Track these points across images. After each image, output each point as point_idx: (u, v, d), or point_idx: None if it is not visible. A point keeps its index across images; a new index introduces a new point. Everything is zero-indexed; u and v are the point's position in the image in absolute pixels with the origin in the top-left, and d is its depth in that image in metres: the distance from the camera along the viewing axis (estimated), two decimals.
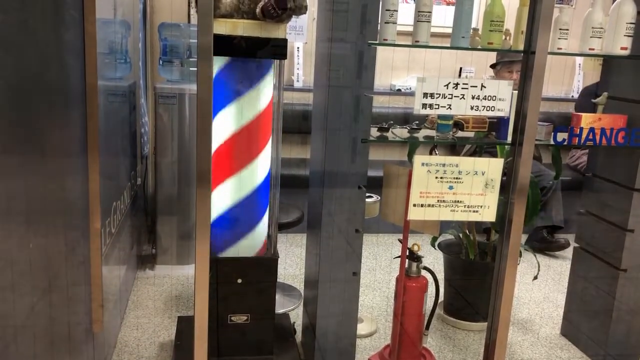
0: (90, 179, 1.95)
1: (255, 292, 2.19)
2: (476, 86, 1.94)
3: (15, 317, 1.33)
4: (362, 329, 2.77)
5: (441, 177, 1.98)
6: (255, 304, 2.20)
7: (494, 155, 3.12)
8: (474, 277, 2.95)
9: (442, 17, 2.44)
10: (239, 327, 2.20)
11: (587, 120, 2.26)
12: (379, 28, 2.02)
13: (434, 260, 3.43)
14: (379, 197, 2.42)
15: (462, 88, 1.93)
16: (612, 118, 2.31)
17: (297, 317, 2.87)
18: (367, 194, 2.40)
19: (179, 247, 3.42)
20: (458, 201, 2.00)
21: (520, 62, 1.96)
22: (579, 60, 4.77)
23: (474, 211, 2.01)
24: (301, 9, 1.92)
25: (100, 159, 1.97)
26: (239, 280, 2.16)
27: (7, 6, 1.27)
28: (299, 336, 2.67)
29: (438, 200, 2.00)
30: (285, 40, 1.97)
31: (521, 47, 1.97)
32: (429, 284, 2.35)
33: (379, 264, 3.66)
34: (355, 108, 2.07)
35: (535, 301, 3.28)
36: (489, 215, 2.02)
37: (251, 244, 2.18)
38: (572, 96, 4.79)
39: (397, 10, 1.99)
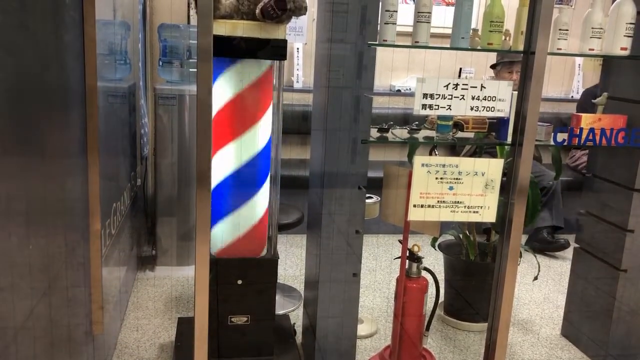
0: (90, 180, 1.95)
1: (256, 293, 2.19)
2: (476, 87, 1.94)
3: (15, 319, 1.33)
4: (362, 329, 2.76)
5: (441, 178, 1.97)
6: (255, 305, 2.19)
7: (494, 155, 3.12)
8: (474, 278, 2.95)
9: (442, 18, 2.43)
10: (239, 328, 2.20)
11: (587, 120, 2.26)
12: (378, 29, 2.02)
13: (434, 261, 3.43)
14: (379, 198, 2.42)
15: (462, 89, 1.93)
16: (612, 118, 2.31)
17: (297, 318, 2.87)
18: (367, 195, 2.40)
19: (179, 248, 3.42)
20: (458, 202, 2.00)
21: (520, 63, 1.96)
22: (579, 60, 4.78)
23: (474, 212, 2.01)
24: (301, 10, 1.92)
25: (100, 160, 1.97)
26: (239, 282, 2.16)
27: (7, 7, 1.27)
28: (299, 337, 2.67)
29: (438, 201, 1.99)
30: (285, 41, 1.97)
31: (521, 47, 1.97)
32: (429, 284, 2.34)
33: (379, 265, 3.66)
34: (355, 109, 2.07)
35: (536, 302, 3.28)
36: (489, 215, 2.02)
37: (251, 213, 2.15)
38: (572, 97, 4.79)
39: (396, 11, 1.99)
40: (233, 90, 2.04)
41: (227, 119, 2.06)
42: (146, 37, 3.72)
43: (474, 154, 3.57)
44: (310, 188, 2.48)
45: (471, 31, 2.05)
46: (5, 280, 1.27)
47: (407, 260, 2.29)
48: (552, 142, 2.25)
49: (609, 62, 2.65)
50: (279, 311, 2.77)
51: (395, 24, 2.00)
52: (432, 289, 2.38)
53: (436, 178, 1.97)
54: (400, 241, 2.29)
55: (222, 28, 1.90)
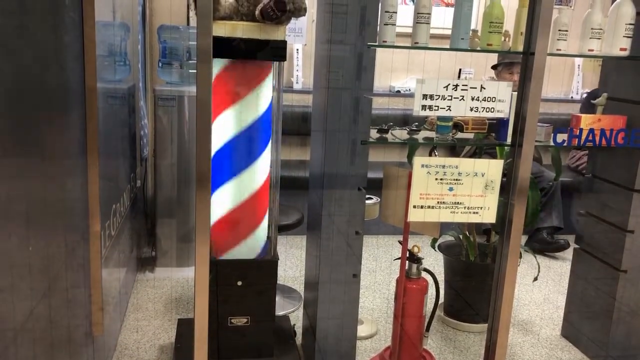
0: (90, 182, 1.95)
1: (255, 295, 2.18)
2: (476, 87, 1.94)
3: (15, 320, 1.33)
4: (362, 330, 2.76)
5: (441, 179, 1.97)
6: (255, 306, 2.19)
7: (493, 156, 3.12)
8: (474, 279, 2.95)
9: (442, 19, 2.44)
10: (239, 330, 2.20)
11: (586, 121, 2.26)
12: (378, 30, 2.02)
13: (434, 261, 3.43)
14: (379, 199, 2.42)
15: (462, 89, 1.93)
16: (612, 119, 2.31)
17: (297, 319, 2.87)
18: (367, 196, 2.40)
19: (179, 249, 3.41)
20: (458, 203, 2.00)
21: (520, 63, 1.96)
22: (579, 61, 4.78)
23: (474, 212, 2.01)
24: (300, 11, 1.92)
25: (99, 161, 1.97)
26: (239, 283, 2.15)
27: (7, 9, 1.27)
28: (299, 338, 2.67)
29: (438, 202, 1.99)
30: (284, 42, 1.97)
31: (520, 48, 1.97)
32: (429, 285, 2.34)
33: (379, 266, 3.66)
34: (354, 109, 2.07)
35: (536, 302, 3.28)
36: (489, 216, 2.02)
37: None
38: (572, 97, 4.80)
39: (396, 12, 1.99)
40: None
41: (228, 82, 2.06)
42: (146, 39, 3.72)
43: (473, 154, 3.58)
44: (310, 189, 2.47)
45: (471, 32, 2.05)
46: (5, 281, 1.27)
47: (407, 261, 2.29)
48: (551, 143, 2.25)
49: (608, 63, 2.65)
50: (279, 312, 2.77)
51: (395, 25, 2.00)
52: (432, 290, 2.38)
53: (436, 179, 1.97)
54: (400, 242, 2.29)
55: (222, 29, 1.90)
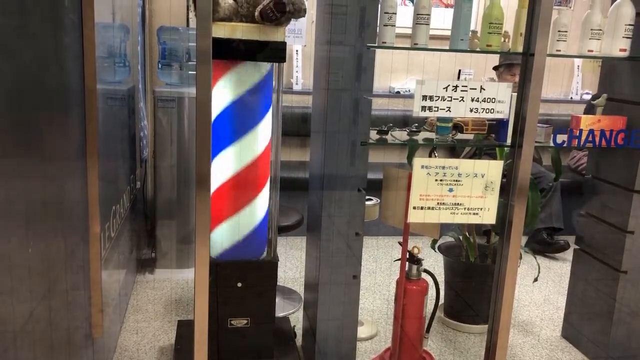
0: (90, 183, 1.95)
1: (255, 296, 2.18)
2: (475, 88, 1.94)
3: (15, 322, 1.33)
4: (362, 332, 2.76)
5: (441, 180, 1.97)
6: (255, 308, 2.19)
7: (493, 157, 3.12)
8: (475, 280, 2.94)
9: (441, 20, 2.44)
10: (239, 331, 2.19)
11: (586, 122, 2.26)
12: (377, 31, 2.02)
13: (434, 262, 3.43)
14: (379, 200, 2.42)
15: (462, 90, 1.93)
16: (612, 120, 2.31)
17: (297, 320, 2.87)
18: (367, 197, 2.39)
19: (179, 250, 3.41)
20: (458, 204, 2.00)
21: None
22: (578, 62, 4.78)
23: (474, 213, 2.01)
24: (300, 12, 1.92)
25: (99, 162, 1.97)
26: (239, 284, 2.15)
27: (6, 10, 1.26)
28: (299, 340, 2.67)
29: (438, 203, 1.99)
30: (284, 44, 1.97)
31: (520, 49, 1.97)
32: (429, 286, 2.34)
33: (379, 267, 3.66)
34: (354, 111, 2.07)
35: (536, 303, 3.28)
36: (489, 217, 2.02)
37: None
38: (571, 98, 4.80)
39: (395, 13, 1.99)
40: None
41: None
42: (145, 40, 3.72)
43: (473, 155, 3.58)
44: (310, 190, 2.47)
45: (470, 33, 2.05)
46: (5, 283, 1.27)
47: (407, 262, 2.29)
48: (551, 144, 2.25)
49: (608, 64, 2.65)
50: (279, 314, 2.77)
51: (394, 26, 2.00)
52: (432, 291, 2.38)
53: (436, 180, 1.97)
54: (400, 243, 2.29)
55: (221, 30, 1.90)
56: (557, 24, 2.12)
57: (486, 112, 1.97)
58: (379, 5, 1.99)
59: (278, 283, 2.28)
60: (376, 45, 2.02)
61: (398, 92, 4.44)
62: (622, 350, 2.62)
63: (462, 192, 1.99)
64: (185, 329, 2.50)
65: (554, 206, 4.00)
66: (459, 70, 4.53)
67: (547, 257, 3.97)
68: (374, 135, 2.14)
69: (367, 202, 2.43)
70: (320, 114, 2.21)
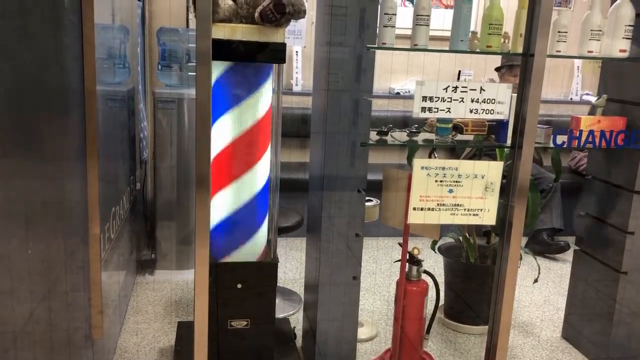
0: (89, 184, 1.94)
1: (255, 297, 2.18)
2: (475, 89, 1.94)
3: (15, 323, 1.33)
4: (362, 333, 2.76)
5: (441, 181, 1.97)
6: (255, 309, 2.19)
7: (493, 158, 3.12)
8: (475, 281, 2.94)
9: (441, 21, 2.44)
10: (239, 332, 2.19)
11: (586, 122, 2.26)
12: (377, 32, 2.02)
13: (434, 263, 3.42)
14: (379, 201, 2.42)
15: (461, 91, 1.93)
16: (612, 120, 2.31)
17: (297, 321, 2.86)
18: (367, 198, 2.39)
19: (179, 252, 3.41)
20: (458, 204, 2.00)
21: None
22: (578, 62, 4.78)
23: (474, 214, 2.01)
24: (300, 13, 1.92)
25: (99, 163, 1.97)
26: (239, 285, 2.15)
27: (6, 11, 1.26)
28: (299, 341, 2.67)
29: (438, 204, 1.99)
30: (284, 45, 1.97)
31: (520, 49, 1.97)
32: (429, 287, 2.34)
33: (379, 268, 3.66)
34: (354, 112, 2.07)
35: (536, 304, 3.28)
36: (489, 218, 2.02)
37: (251, 250, 2.17)
38: (571, 98, 4.80)
39: (395, 14, 1.99)
40: (232, 134, 2.05)
41: (227, 161, 2.07)
42: (145, 41, 3.72)
43: (473, 156, 3.58)
44: (309, 191, 2.47)
45: (470, 34, 2.05)
46: (5, 284, 1.27)
47: (407, 263, 2.29)
48: (551, 144, 2.25)
49: (608, 64, 2.65)
50: (279, 315, 2.77)
51: (394, 27, 2.00)
52: (432, 292, 2.38)
53: (436, 181, 1.97)
54: (400, 244, 2.29)
55: (221, 32, 1.90)
56: (557, 24, 2.12)
57: (486, 113, 1.97)
58: (379, 6, 1.99)
59: (278, 284, 2.27)
60: (376, 46, 2.02)
61: (398, 93, 4.44)
62: (622, 351, 2.61)
63: (462, 193, 1.99)
64: (185, 330, 2.50)
65: (554, 207, 4.00)
66: (459, 71, 4.54)
67: (548, 258, 3.97)
68: (373, 136, 2.14)
69: (367, 203, 2.43)
70: (320, 115, 2.21)
